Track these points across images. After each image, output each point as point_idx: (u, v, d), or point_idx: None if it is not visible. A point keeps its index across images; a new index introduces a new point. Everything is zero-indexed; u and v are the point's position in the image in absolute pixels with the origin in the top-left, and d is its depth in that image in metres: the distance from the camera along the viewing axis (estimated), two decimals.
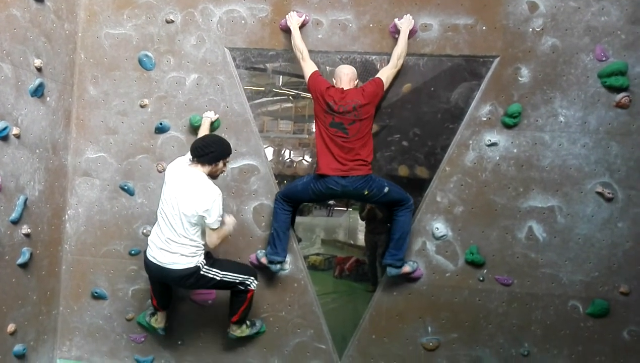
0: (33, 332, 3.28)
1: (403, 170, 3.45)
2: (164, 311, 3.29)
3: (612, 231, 3.19)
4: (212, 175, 2.87)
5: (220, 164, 2.86)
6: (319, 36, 3.37)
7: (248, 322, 3.25)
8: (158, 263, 2.84)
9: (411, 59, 3.34)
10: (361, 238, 4.70)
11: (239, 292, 3.06)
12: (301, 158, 4.60)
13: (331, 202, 4.74)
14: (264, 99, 4.34)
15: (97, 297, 3.53)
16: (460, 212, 3.28)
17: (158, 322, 3.31)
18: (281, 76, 4.50)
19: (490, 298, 3.27)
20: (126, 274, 3.52)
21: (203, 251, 2.90)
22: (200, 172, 2.80)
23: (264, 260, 3.29)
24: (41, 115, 3.22)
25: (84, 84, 3.55)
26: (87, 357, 3.57)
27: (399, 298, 3.33)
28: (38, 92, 3.14)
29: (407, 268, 3.21)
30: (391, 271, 3.18)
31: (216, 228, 2.79)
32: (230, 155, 2.92)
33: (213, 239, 2.80)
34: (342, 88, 3.11)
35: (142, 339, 3.52)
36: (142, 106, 3.49)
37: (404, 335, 3.32)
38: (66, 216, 3.55)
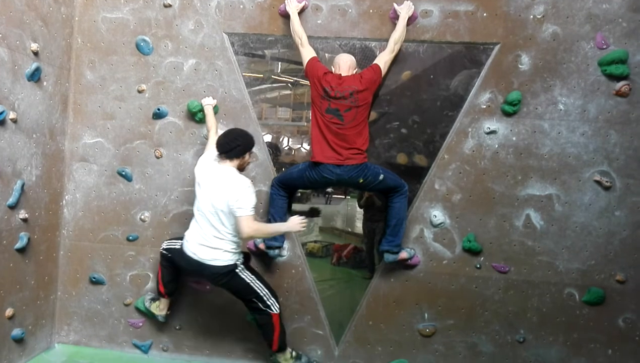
0: (31, 316, 3.29)
1: (402, 158, 3.45)
2: (169, 298, 3.30)
3: (610, 219, 3.20)
4: (240, 168, 2.92)
5: (247, 156, 2.92)
6: (318, 22, 3.34)
7: (293, 353, 3.22)
8: (198, 259, 2.87)
9: (411, 46, 3.32)
10: (359, 226, 4.71)
11: (260, 313, 3.02)
12: (299, 145, 4.59)
13: (329, 189, 4.74)
14: (263, 86, 4.32)
15: (95, 282, 3.54)
16: (458, 199, 3.29)
17: (160, 309, 3.32)
18: (280, 63, 4.47)
19: (486, 286, 3.29)
20: (124, 260, 3.53)
21: (240, 250, 2.95)
22: (229, 166, 2.86)
23: (262, 246, 3.30)
24: (38, 99, 3.19)
25: (80, 69, 3.52)
26: (85, 341, 3.59)
27: (396, 285, 3.35)
28: (35, 77, 3.12)
29: (404, 254, 3.22)
30: (388, 257, 3.19)
31: (247, 218, 2.75)
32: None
33: (244, 229, 2.75)
34: (340, 74, 3.09)
35: (140, 324, 3.53)
36: (139, 91, 3.46)
37: (401, 322, 3.35)
38: (64, 201, 3.55)
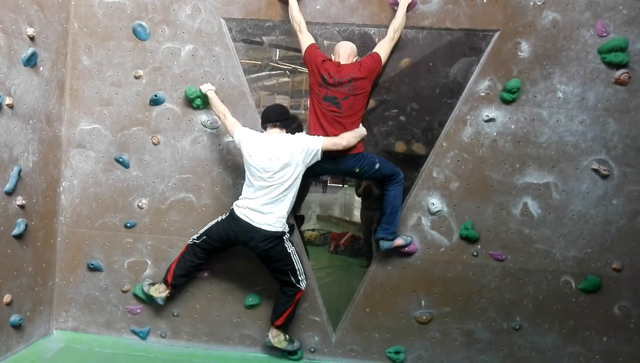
0: (29, 302, 3.30)
1: (400, 146, 3.44)
2: (172, 289, 3.33)
3: (607, 208, 3.21)
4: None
5: (291, 127, 3.09)
6: (317, 7, 3.31)
7: (287, 336, 3.29)
8: (251, 222, 2.97)
9: (410, 32, 3.29)
10: (357, 215, 4.71)
11: (288, 286, 3.14)
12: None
13: (324, 178, 4.72)
14: (261, 73, 4.28)
15: (93, 268, 3.54)
16: (456, 187, 3.29)
17: (160, 291, 3.33)
18: (278, 50, 4.43)
19: (483, 273, 3.30)
20: (122, 246, 3.53)
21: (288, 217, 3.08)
22: (280, 132, 3.02)
23: None
24: (34, 85, 3.17)
25: (77, 54, 3.49)
26: (83, 327, 3.60)
27: (393, 273, 3.36)
28: (31, 62, 3.09)
29: (399, 241, 3.22)
30: (383, 244, 3.20)
31: (323, 139, 2.94)
32: None
33: (337, 142, 2.94)
34: (339, 62, 3.07)
35: (139, 311, 3.54)
36: (136, 77, 3.44)
37: (398, 309, 3.36)
38: (61, 188, 3.53)
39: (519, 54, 3.20)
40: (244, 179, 3.39)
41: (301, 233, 3.56)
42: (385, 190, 3.17)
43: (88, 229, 3.54)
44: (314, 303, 3.44)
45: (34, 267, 3.31)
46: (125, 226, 3.51)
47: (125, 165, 3.49)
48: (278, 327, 3.22)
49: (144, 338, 3.55)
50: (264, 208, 2.96)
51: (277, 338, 3.24)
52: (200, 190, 3.46)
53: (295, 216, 3.72)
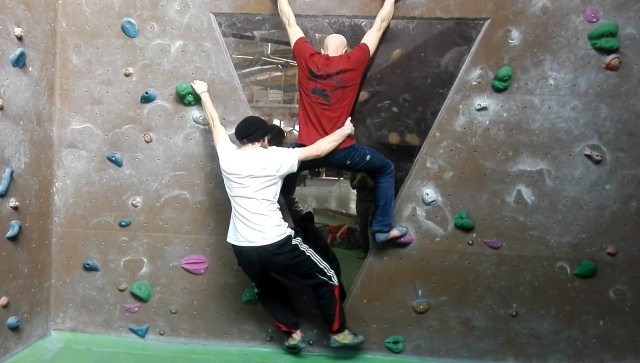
0: (26, 304, 3.29)
1: (394, 138, 3.44)
2: (296, 329, 3.27)
3: (600, 193, 3.22)
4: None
5: (266, 139, 2.98)
6: (307, 0, 3.30)
7: (350, 331, 3.24)
8: (252, 245, 2.87)
9: (401, 23, 3.28)
10: (353, 207, 4.73)
11: (322, 287, 3.05)
12: (291, 128, 4.56)
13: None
14: (253, 68, 4.27)
15: (89, 268, 3.54)
16: (450, 177, 3.29)
17: (296, 339, 3.27)
18: (269, 44, 4.40)
19: (479, 261, 3.31)
20: (117, 245, 3.52)
21: (287, 224, 2.97)
22: (254, 147, 2.93)
23: None
24: (24, 85, 3.14)
25: (66, 53, 3.46)
26: (81, 327, 3.59)
27: (389, 263, 3.37)
28: (20, 62, 3.06)
29: (395, 233, 3.23)
30: (379, 236, 3.21)
31: (302, 149, 2.93)
32: None
33: (315, 151, 2.93)
34: (328, 55, 3.06)
35: (136, 309, 3.54)
36: (126, 75, 3.42)
37: (395, 299, 3.37)
38: (54, 188, 3.52)
39: (510, 41, 3.20)
40: None
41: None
42: (377, 183, 3.17)
43: (83, 229, 3.53)
44: (312, 297, 3.44)
45: (29, 269, 3.30)
46: (120, 225, 3.49)
47: (118, 163, 3.47)
48: (337, 330, 3.16)
49: (142, 336, 3.55)
50: (253, 223, 2.86)
51: (341, 335, 3.18)
52: (195, 186, 3.45)
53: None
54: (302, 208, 3.91)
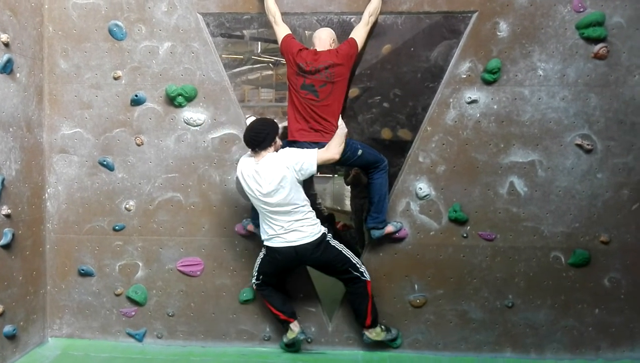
0: (22, 312, 3.27)
1: (386, 133, 3.44)
2: (294, 319, 3.26)
3: (592, 182, 3.24)
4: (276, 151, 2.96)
5: (278, 141, 2.94)
6: None
7: (383, 326, 3.26)
8: (291, 244, 2.93)
9: (389, 18, 3.28)
10: (347, 204, 4.72)
11: (355, 283, 3.10)
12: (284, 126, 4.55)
13: None
14: (243, 68, 4.25)
15: (84, 274, 3.52)
16: (443, 171, 3.30)
17: (295, 331, 3.25)
18: (259, 43, 4.39)
19: (474, 254, 3.33)
20: (112, 250, 3.50)
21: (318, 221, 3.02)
22: (267, 154, 2.89)
23: (250, 227, 3.30)
24: (12, 92, 3.12)
25: (54, 58, 3.43)
26: (78, 333, 3.58)
27: (385, 259, 3.37)
28: (7, 68, 3.04)
29: (390, 228, 3.24)
30: (374, 233, 3.21)
31: (319, 151, 2.89)
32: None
33: (330, 155, 2.89)
34: (315, 50, 3.06)
35: (133, 313, 3.53)
36: (115, 78, 3.40)
37: (392, 294, 3.38)
38: (46, 195, 3.50)
39: (498, 34, 3.20)
40: (230, 175, 3.40)
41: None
42: (371, 179, 3.17)
43: (76, 235, 3.51)
44: (309, 295, 3.45)
45: (24, 276, 3.28)
46: (114, 229, 3.48)
47: (109, 168, 3.45)
48: (370, 326, 3.19)
49: (140, 340, 3.54)
50: (293, 226, 2.92)
51: (374, 332, 3.21)
52: (188, 188, 3.44)
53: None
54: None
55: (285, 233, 2.94)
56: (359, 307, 3.16)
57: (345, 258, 3.06)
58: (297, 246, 2.94)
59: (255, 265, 3.21)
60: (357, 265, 3.09)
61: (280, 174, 2.82)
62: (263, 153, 2.89)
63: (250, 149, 2.95)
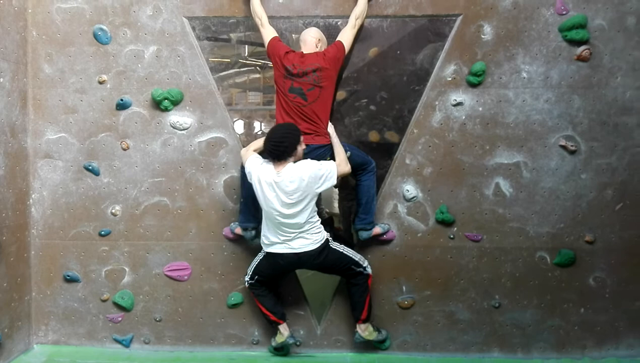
0: (6, 319, 3.23)
1: (373, 136, 3.45)
2: (284, 321, 3.26)
3: (576, 183, 3.28)
4: (297, 160, 2.93)
5: (299, 148, 2.89)
6: (280, 1, 3.29)
7: (375, 326, 3.28)
8: (295, 251, 2.95)
9: (375, 21, 3.30)
10: (335, 206, 4.72)
11: (357, 277, 3.11)
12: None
13: None
14: (230, 71, 4.24)
15: (70, 280, 3.48)
16: (429, 173, 3.32)
17: (284, 335, 3.24)
18: (246, 46, 4.38)
19: (461, 255, 3.35)
20: (98, 255, 3.47)
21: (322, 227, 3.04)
22: (288, 165, 2.85)
23: (238, 231, 3.29)
24: None
25: (38, 63, 3.40)
26: (64, 340, 3.54)
27: (373, 261, 3.36)
28: None
29: (377, 230, 3.25)
30: (362, 234, 3.22)
31: (337, 165, 2.94)
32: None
33: (346, 169, 2.99)
34: (302, 52, 3.07)
35: (120, 319, 3.50)
36: (100, 82, 3.37)
37: (380, 296, 3.39)
38: (31, 200, 3.46)
39: (482, 37, 3.23)
40: (217, 178, 3.39)
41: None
42: (359, 181, 3.19)
43: (62, 240, 3.48)
44: (298, 298, 3.44)
45: (8, 283, 3.24)
46: (100, 234, 3.45)
47: (95, 172, 3.43)
48: (364, 321, 3.19)
49: (127, 346, 3.50)
50: (299, 235, 2.93)
51: (367, 331, 3.21)
52: (175, 192, 3.42)
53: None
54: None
55: (290, 240, 2.95)
56: (359, 299, 3.16)
57: (346, 258, 3.08)
58: (300, 253, 2.96)
59: (252, 264, 3.19)
60: (360, 262, 3.11)
61: (301, 188, 2.82)
62: (284, 163, 2.87)
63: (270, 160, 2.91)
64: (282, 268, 3.09)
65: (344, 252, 3.09)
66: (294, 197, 2.83)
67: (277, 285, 3.34)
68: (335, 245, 3.08)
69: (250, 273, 3.19)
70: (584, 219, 3.29)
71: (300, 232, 2.93)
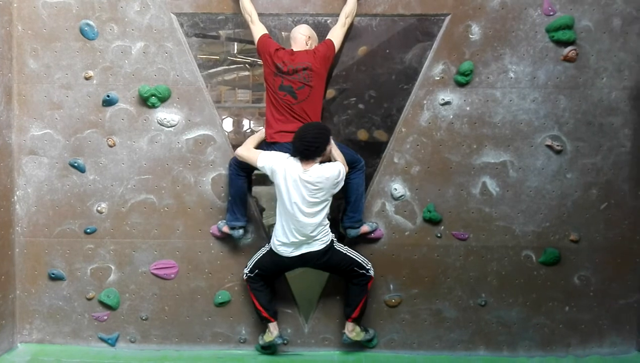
0: None
1: (362, 134, 3.45)
2: (275, 320, 3.26)
3: (562, 182, 3.31)
4: (325, 160, 2.97)
5: (328, 148, 2.93)
6: None
7: (362, 327, 3.28)
8: (301, 252, 3.00)
9: (364, 20, 3.30)
10: None
11: (358, 278, 3.12)
12: (262, 128, 4.53)
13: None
14: (219, 68, 4.21)
15: (55, 278, 3.44)
16: (417, 171, 3.33)
17: (273, 334, 3.23)
18: (236, 43, 4.36)
19: (448, 254, 3.36)
20: (83, 253, 3.44)
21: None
22: (315, 165, 2.88)
23: (225, 229, 3.28)
24: None
25: (23, 58, 3.35)
26: (49, 339, 3.50)
27: None
28: None
29: (365, 228, 3.26)
30: (350, 232, 3.22)
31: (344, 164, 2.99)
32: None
33: (345, 166, 2.99)
34: (292, 50, 3.06)
35: (105, 317, 3.47)
36: (86, 78, 3.33)
37: (368, 294, 3.39)
38: (15, 197, 3.41)
39: (470, 36, 3.25)
40: (205, 176, 3.37)
41: (269, 226, 3.52)
42: (348, 179, 3.17)
43: (47, 238, 3.43)
44: (285, 296, 3.44)
45: None
46: (85, 232, 3.41)
47: (80, 169, 3.39)
48: (354, 320, 3.19)
49: (112, 345, 3.47)
50: (309, 237, 2.96)
51: (354, 332, 3.22)
52: (161, 190, 3.40)
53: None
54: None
55: (300, 242, 2.97)
56: (355, 298, 3.17)
57: (350, 259, 3.10)
58: (304, 253, 3.00)
59: (254, 258, 3.19)
60: (363, 264, 3.12)
61: (325, 188, 2.87)
62: (312, 162, 2.88)
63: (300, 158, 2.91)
64: (285, 265, 3.10)
65: (348, 253, 3.11)
66: (317, 196, 2.87)
67: (274, 281, 3.33)
68: (339, 246, 3.12)
69: (251, 267, 3.18)
70: (569, 218, 3.33)
71: (312, 235, 2.95)
